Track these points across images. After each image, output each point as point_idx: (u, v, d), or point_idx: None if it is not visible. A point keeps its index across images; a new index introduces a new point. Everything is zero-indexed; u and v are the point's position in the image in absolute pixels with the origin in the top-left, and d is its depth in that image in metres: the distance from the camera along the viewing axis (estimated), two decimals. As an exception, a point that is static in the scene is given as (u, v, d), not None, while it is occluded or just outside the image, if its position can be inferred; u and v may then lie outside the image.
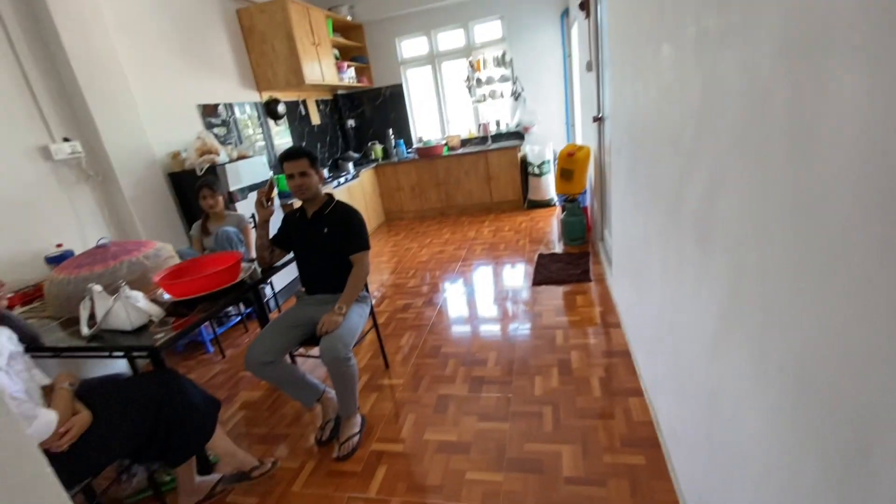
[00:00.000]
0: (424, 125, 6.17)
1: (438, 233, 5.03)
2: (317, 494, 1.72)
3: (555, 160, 5.03)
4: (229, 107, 3.89)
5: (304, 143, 5.00)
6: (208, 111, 3.64)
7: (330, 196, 2.09)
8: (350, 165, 5.14)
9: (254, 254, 2.28)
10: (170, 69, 3.32)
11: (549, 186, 5.25)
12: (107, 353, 1.64)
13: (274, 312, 3.34)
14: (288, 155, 1.95)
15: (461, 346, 2.62)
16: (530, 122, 5.48)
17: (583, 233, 3.91)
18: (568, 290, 3.13)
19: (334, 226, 2.01)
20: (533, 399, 2.06)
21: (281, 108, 4.49)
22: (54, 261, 2.35)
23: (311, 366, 2.60)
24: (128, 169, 2.82)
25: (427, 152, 5.46)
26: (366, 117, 6.10)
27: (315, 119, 5.23)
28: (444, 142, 5.65)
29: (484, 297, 3.30)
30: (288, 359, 2.05)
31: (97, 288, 1.72)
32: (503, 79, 5.51)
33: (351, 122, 5.98)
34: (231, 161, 3.26)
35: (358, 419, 1.99)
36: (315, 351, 2.02)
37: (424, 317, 3.05)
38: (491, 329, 2.79)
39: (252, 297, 2.53)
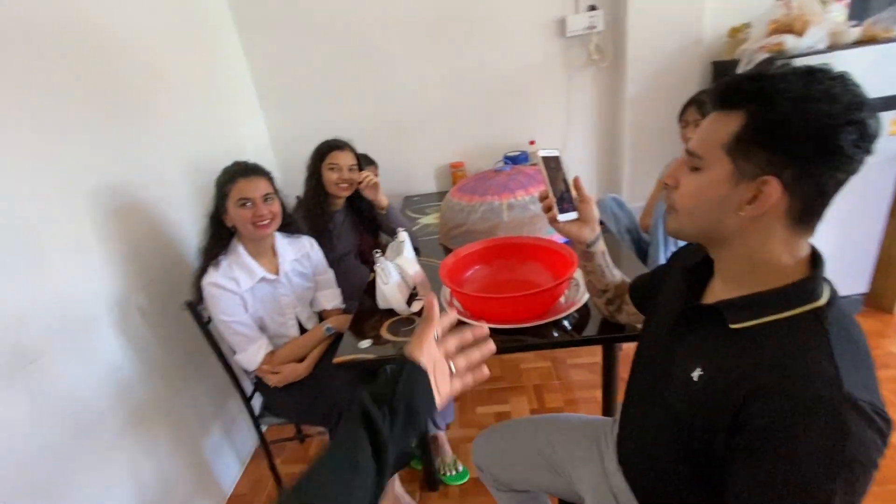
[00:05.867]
0: None
1: None
2: None
3: None
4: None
5: None
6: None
7: (810, 284, 0.54)
8: None
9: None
10: None
11: None
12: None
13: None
14: (715, 94, 0.58)
15: None
16: None
17: None
18: None
19: (729, 384, 0.54)
20: None
21: None
22: (509, 160, 2.13)
23: None
24: (647, 52, 1.96)
25: None
26: None
27: None
28: None
29: None
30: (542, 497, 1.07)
31: (402, 235, 1.37)
32: None
33: None
34: (824, 51, 1.62)
35: None
36: None
37: None
38: None
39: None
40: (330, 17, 2.04)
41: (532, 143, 2.19)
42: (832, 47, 1.63)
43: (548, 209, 0.85)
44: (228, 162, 1.27)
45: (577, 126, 2.21)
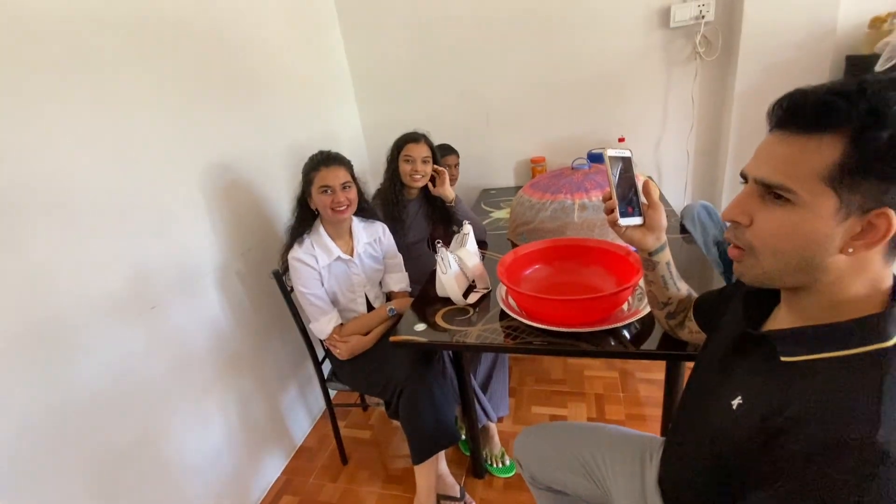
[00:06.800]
0: None
1: None
2: None
3: None
4: None
5: None
6: None
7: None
8: None
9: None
10: None
11: None
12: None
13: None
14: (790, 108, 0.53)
15: None
16: None
17: None
18: None
19: (765, 415, 0.50)
20: None
21: None
22: (593, 158, 2.04)
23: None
24: (764, 44, 1.75)
25: None
26: None
27: None
28: None
29: None
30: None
31: (467, 228, 1.40)
32: None
33: None
34: None
35: None
36: None
37: None
38: None
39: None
40: (423, 14, 2.11)
41: (621, 140, 2.09)
42: None
43: (609, 211, 0.83)
44: (323, 148, 1.40)
45: (673, 125, 2.05)
